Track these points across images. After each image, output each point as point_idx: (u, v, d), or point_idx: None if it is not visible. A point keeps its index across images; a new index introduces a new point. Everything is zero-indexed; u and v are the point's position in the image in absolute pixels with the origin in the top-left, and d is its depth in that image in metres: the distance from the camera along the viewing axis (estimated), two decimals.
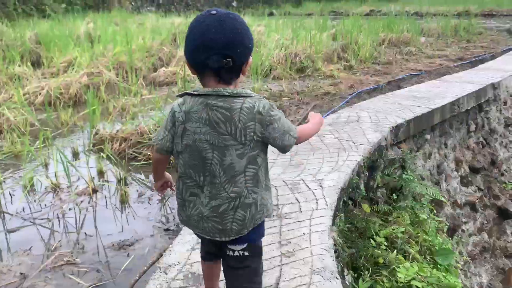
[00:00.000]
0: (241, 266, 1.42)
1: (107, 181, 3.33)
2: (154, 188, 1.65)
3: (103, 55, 7.35)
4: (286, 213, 2.19)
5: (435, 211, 3.85)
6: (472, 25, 12.84)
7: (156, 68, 7.31)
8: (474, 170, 5.50)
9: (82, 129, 4.55)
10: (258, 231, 1.43)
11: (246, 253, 1.41)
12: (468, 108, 5.02)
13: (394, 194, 3.40)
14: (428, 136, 4.30)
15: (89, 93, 4.65)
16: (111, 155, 3.66)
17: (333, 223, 2.15)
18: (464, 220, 5.13)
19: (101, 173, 3.45)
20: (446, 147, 4.85)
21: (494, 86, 5.62)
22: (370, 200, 3.22)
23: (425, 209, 3.56)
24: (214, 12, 1.29)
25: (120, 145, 3.83)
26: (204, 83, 1.35)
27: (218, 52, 1.26)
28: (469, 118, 5.30)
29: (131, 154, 3.71)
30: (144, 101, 5.48)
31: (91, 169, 3.41)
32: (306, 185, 2.52)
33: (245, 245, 1.40)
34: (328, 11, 23.16)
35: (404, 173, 3.64)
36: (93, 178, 3.28)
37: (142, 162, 3.57)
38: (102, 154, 3.67)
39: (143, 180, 3.38)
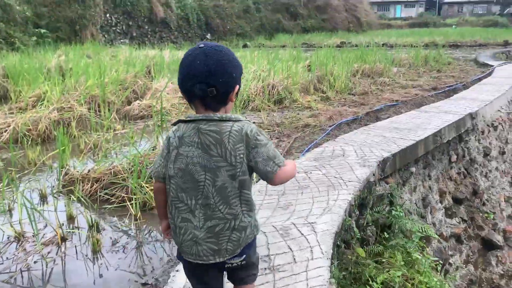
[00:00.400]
0: (241, 269, 1.49)
1: (78, 228, 3.04)
2: (161, 231, 1.62)
3: (74, 88, 7.06)
4: (279, 265, 1.98)
5: (426, 248, 3.71)
6: (441, 56, 13.24)
7: (130, 101, 7.08)
8: (457, 201, 5.44)
9: (51, 168, 4.24)
10: (251, 246, 1.49)
11: (243, 263, 1.48)
12: (449, 138, 4.99)
13: (385, 232, 3.24)
14: (413, 169, 4.22)
15: (59, 130, 4.38)
16: (82, 197, 3.38)
17: (331, 274, 1.95)
18: (450, 253, 5.02)
19: (71, 219, 3.16)
20: (430, 179, 4.78)
21: (472, 116, 5.65)
22: (361, 240, 3.05)
23: (416, 247, 3.41)
24: (202, 45, 1.39)
25: (91, 186, 3.56)
26: (195, 111, 1.44)
27: (202, 81, 1.34)
28: (450, 148, 5.28)
29: (103, 196, 3.44)
30: (118, 136, 5.23)
31: (60, 213, 3.13)
32: (298, 230, 2.32)
33: (242, 257, 1.47)
34: (300, 43, 23.64)
35: (393, 209, 3.51)
36: (62, 224, 2.99)
37: (115, 205, 3.30)
38: (72, 196, 3.39)
39: (117, 224, 3.11)
